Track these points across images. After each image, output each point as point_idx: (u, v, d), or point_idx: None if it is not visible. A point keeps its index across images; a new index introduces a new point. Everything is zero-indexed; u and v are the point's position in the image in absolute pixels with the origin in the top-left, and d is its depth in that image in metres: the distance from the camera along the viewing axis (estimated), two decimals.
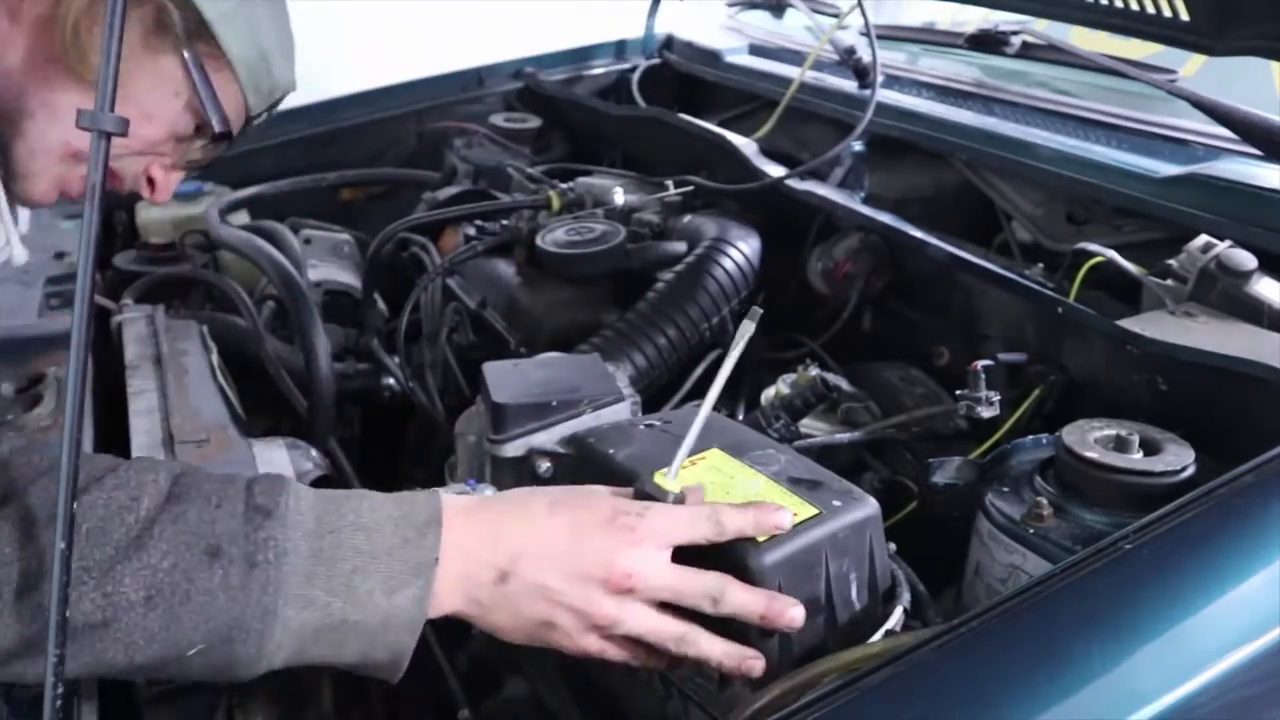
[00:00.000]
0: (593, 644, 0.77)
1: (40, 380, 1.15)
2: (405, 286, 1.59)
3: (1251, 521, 0.72)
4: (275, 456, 1.03)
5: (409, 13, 2.76)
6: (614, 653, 0.77)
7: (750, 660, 0.75)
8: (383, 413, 1.58)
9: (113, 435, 1.10)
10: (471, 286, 1.56)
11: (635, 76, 2.17)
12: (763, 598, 0.75)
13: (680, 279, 1.39)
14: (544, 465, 0.94)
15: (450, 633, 1.07)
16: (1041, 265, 1.30)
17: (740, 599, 0.75)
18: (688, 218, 1.54)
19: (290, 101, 1.15)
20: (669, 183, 1.61)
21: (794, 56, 1.93)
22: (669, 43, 2.25)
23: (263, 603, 0.70)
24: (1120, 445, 0.91)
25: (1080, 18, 1.40)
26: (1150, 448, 0.91)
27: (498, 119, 2.09)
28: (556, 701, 0.95)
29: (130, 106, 0.93)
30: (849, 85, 1.70)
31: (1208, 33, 1.15)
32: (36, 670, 0.66)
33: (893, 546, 0.87)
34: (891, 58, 1.81)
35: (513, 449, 0.96)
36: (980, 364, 1.08)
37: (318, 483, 1.01)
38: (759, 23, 2.21)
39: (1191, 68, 1.54)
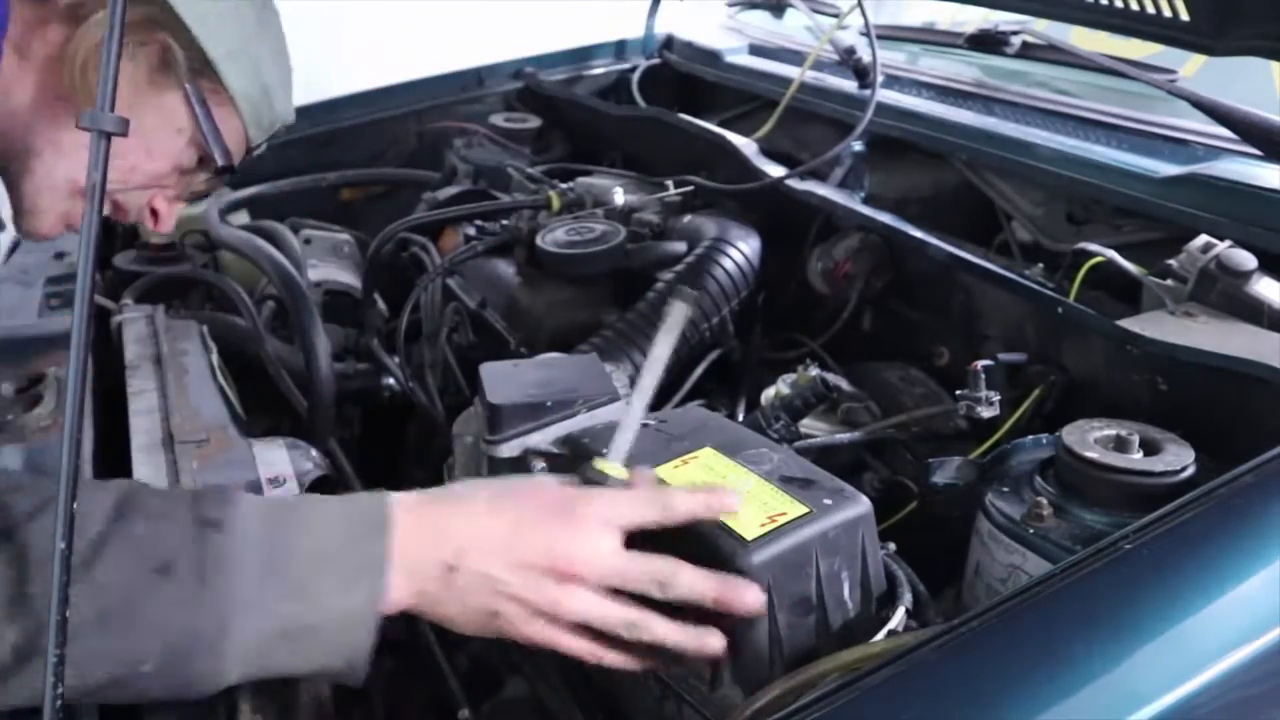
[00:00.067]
0: (541, 632, 0.77)
1: (40, 380, 1.15)
2: (405, 286, 1.59)
3: (1251, 521, 0.72)
4: (275, 456, 1.03)
5: (409, 13, 2.76)
6: (567, 641, 0.78)
7: (707, 639, 0.75)
8: (383, 413, 1.57)
9: (113, 435, 1.10)
10: (471, 286, 1.56)
11: (635, 76, 2.17)
12: (715, 581, 0.75)
13: (680, 279, 1.39)
14: (539, 465, 0.93)
15: (450, 633, 1.08)
16: (1041, 265, 1.30)
17: (691, 583, 0.75)
18: (688, 218, 1.54)
19: None
20: (669, 183, 1.61)
21: (794, 56, 1.93)
22: (669, 43, 2.25)
23: (217, 614, 0.70)
24: (1120, 445, 0.91)
25: (1080, 18, 1.41)
26: (1150, 448, 0.91)
27: (498, 119, 2.09)
28: (556, 701, 0.94)
29: (136, 142, 0.97)
30: (849, 85, 1.70)
31: (1208, 33, 1.15)
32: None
33: (892, 546, 0.87)
34: (891, 58, 1.81)
35: (508, 449, 0.96)
36: (980, 364, 1.08)
37: (318, 483, 1.01)
38: (759, 23, 2.21)
39: (1191, 68, 1.54)
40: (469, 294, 1.53)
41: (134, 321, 1.32)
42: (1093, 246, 1.19)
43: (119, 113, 0.64)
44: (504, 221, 1.60)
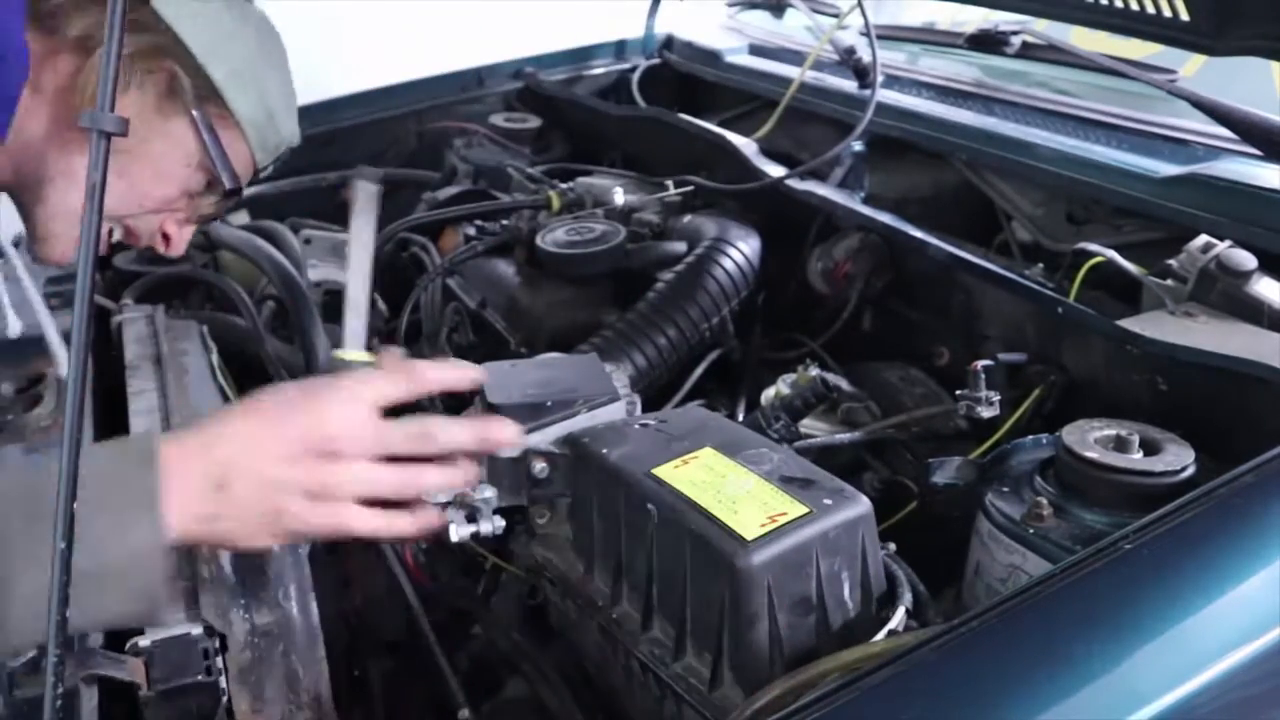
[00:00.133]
0: (328, 518, 0.79)
1: (40, 380, 1.15)
2: (405, 286, 1.59)
3: (1251, 521, 0.72)
4: None
5: (409, 13, 2.76)
6: (357, 521, 0.80)
7: (469, 470, 0.81)
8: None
9: (113, 435, 1.09)
10: (471, 286, 1.56)
11: (635, 76, 2.17)
12: (474, 424, 0.80)
13: (680, 279, 1.39)
14: (539, 465, 0.93)
15: (450, 633, 1.08)
16: (1041, 265, 1.30)
17: (451, 432, 0.80)
18: (688, 218, 1.54)
19: None
20: (669, 183, 1.61)
21: (794, 56, 1.92)
22: (669, 43, 2.25)
23: None
24: (1120, 445, 0.91)
25: (1080, 18, 1.41)
26: (1150, 448, 0.91)
27: (498, 119, 2.08)
28: (556, 701, 0.95)
29: (145, 168, 1.02)
30: (849, 85, 1.70)
31: (1208, 33, 1.15)
32: None
33: (892, 546, 0.87)
34: (891, 58, 1.81)
35: (508, 449, 0.96)
36: (980, 364, 1.08)
37: None
38: (759, 23, 2.21)
39: (1191, 68, 1.54)
40: (469, 294, 1.53)
41: (134, 321, 1.33)
42: (1093, 246, 1.19)
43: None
44: (504, 221, 1.60)
